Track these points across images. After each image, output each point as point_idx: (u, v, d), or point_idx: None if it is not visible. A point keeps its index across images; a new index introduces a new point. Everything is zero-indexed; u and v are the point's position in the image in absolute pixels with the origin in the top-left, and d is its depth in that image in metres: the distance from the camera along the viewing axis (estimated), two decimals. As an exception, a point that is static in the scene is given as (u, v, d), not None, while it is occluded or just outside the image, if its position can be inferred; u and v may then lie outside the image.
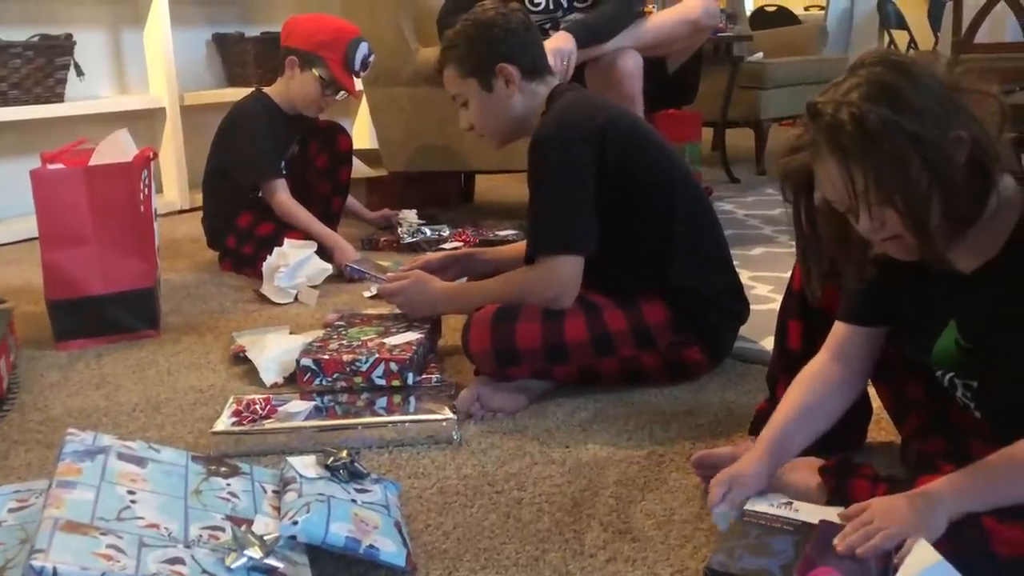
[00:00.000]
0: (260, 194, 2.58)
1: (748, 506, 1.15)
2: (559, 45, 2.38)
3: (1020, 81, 3.99)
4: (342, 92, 2.63)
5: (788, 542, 1.07)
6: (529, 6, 2.70)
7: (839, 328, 1.24)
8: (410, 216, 2.99)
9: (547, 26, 2.67)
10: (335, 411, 1.55)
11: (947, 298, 1.11)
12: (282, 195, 2.55)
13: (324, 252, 2.49)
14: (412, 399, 1.59)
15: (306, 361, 1.63)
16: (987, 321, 1.07)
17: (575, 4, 2.81)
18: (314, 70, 2.58)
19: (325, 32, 2.61)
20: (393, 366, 1.62)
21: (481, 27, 1.74)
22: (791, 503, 1.15)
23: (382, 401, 1.58)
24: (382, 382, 1.63)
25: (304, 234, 2.50)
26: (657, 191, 1.67)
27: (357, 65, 2.62)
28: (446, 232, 2.89)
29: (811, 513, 1.12)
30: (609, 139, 1.64)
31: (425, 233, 2.86)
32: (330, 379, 1.63)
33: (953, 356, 1.12)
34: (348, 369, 1.63)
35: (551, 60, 2.28)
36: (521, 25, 1.76)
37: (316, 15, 2.69)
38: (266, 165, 2.57)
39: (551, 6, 2.77)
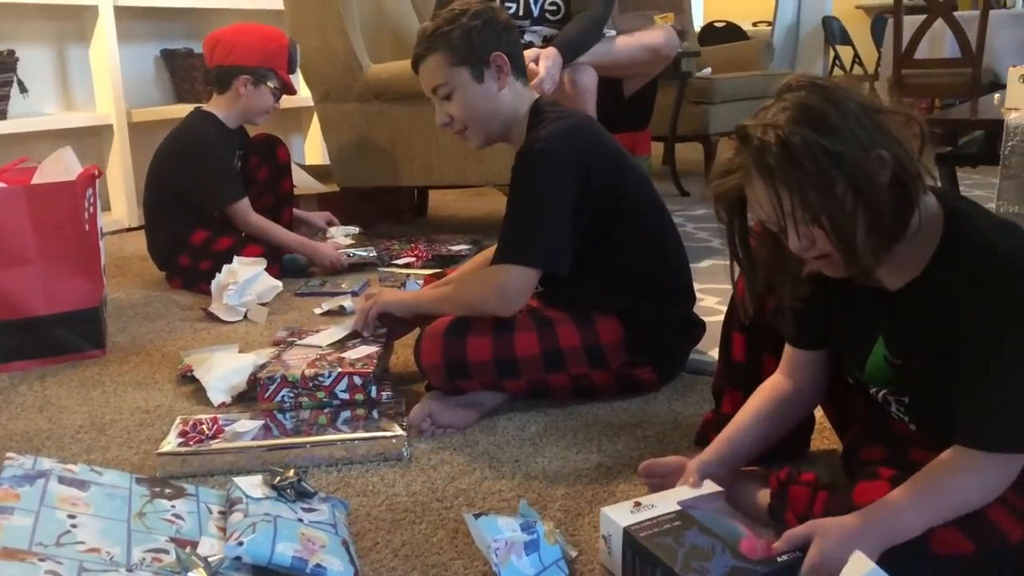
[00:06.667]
0: (217, 216, 2.60)
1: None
2: (550, 64, 2.41)
3: (958, 95, 4.11)
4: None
5: (697, 535, 1.08)
6: None
7: (788, 348, 1.28)
8: (339, 234, 2.92)
9: None
10: (285, 428, 1.54)
11: (875, 315, 1.14)
12: (252, 215, 2.61)
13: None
14: (375, 413, 1.58)
15: (269, 374, 1.63)
16: (913, 338, 1.10)
17: (546, 15, 2.84)
18: (268, 83, 2.63)
19: (269, 44, 2.64)
20: (357, 380, 1.62)
21: (477, 16, 1.67)
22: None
23: (346, 414, 1.58)
24: (345, 396, 1.62)
25: (281, 247, 2.64)
26: (631, 218, 1.68)
27: (295, 66, 2.70)
28: (372, 253, 2.80)
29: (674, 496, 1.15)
30: (597, 167, 1.63)
31: (349, 254, 2.77)
32: (292, 394, 1.62)
33: (884, 372, 1.15)
34: (311, 384, 1.62)
35: (546, 82, 2.31)
36: (510, 22, 1.74)
37: (239, 27, 2.67)
38: (235, 189, 2.61)
39: (521, 14, 2.80)
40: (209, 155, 2.59)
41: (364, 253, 2.79)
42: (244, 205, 2.60)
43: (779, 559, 1.03)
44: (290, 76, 2.70)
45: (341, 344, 1.78)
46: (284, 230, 2.69)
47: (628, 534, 1.09)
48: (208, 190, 2.58)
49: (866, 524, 1.03)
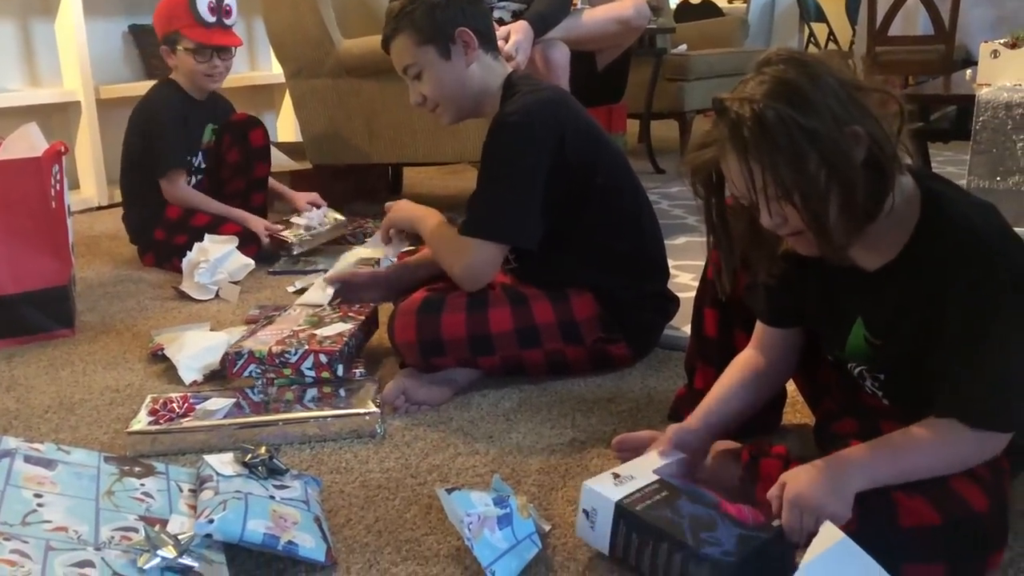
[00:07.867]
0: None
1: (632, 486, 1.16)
2: (521, 38, 2.39)
3: (931, 73, 4.13)
4: (227, 53, 2.58)
5: (689, 504, 1.08)
6: None
7: (759, 325, 1.29)
8: (316, 217, 2.79)
9: None
10: (256, 407, 1.52)
11: (853, 296, 1.14)
12: (181, 190, 2.55)
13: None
14: (342, 391, 1.57)
15: (237, 349, 1.62)
16: (893, 318, 1.11)
17: None
18: (179, 47, 2.54)
19: (165, 7, 2.56)
20: (323, 358, 1.61)
21: None
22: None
23: (312, 392, 1.57)
24: (312, 374, 1.61)
25: (208, 215, 2.53)
26: (606, 194, 1.68)
27: (208, 16, 2.52)
28: (294, 239, 2.62)
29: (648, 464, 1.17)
30: (571, 139, 1.62)
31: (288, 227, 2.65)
32: (260, 370, 1.61)
33: (864, 351, 1.16)
34: (278, 361, 1.61)
35: (519, 55, 2.28)
36: None
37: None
38: (172, 155, 2.55)
39: None
40: (156, 120, 2.54)
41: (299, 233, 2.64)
42: (177, 175, 2.54)
43: (774, 523, 1.04)
44: (210, 29, 2.52)
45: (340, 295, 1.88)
46: (211, 200, 2.58)
47: (623, 508, 1.07)
48: (150, 151, 2.54)
49: (837, 459, 1.05)
